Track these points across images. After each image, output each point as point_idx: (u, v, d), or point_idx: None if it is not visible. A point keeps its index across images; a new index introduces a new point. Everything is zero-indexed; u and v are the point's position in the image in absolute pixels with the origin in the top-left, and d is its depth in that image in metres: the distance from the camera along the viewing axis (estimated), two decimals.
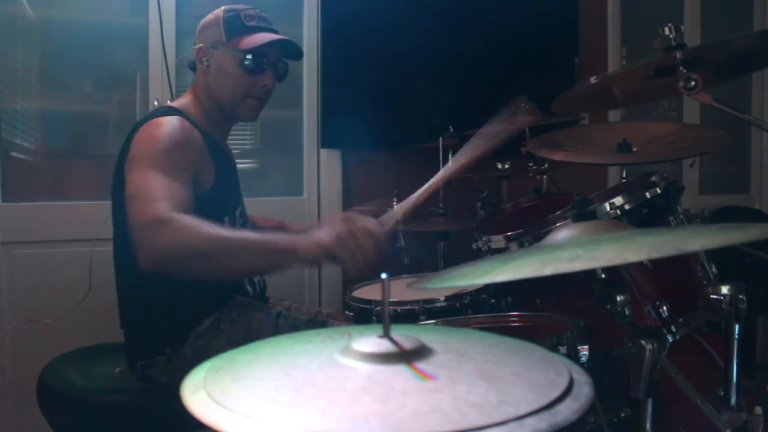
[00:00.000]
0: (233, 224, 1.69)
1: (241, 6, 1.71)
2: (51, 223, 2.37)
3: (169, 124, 1.57)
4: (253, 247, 1.34)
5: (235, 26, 1.67)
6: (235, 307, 1.68)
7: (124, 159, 1.56)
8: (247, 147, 2.82)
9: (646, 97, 1.64)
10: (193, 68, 1.75)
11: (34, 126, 2.44)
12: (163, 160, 1.48)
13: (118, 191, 1.57)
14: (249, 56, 1.65)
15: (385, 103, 2.65)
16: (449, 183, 1.63)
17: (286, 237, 1.38)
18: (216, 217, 1.61)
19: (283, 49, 1.72)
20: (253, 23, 1.69)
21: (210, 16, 1.71)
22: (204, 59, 1.68)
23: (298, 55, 1.77)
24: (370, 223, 1.32)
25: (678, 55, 1.28)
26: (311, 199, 2.82)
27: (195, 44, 1.72)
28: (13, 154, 2.39)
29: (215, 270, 1.33)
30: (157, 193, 1.38)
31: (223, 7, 1.70)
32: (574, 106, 1.74)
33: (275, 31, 1.71)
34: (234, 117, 1.77)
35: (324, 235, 1.31)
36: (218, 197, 1.63)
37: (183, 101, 1.74)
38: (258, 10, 1.72)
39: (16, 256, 2.34)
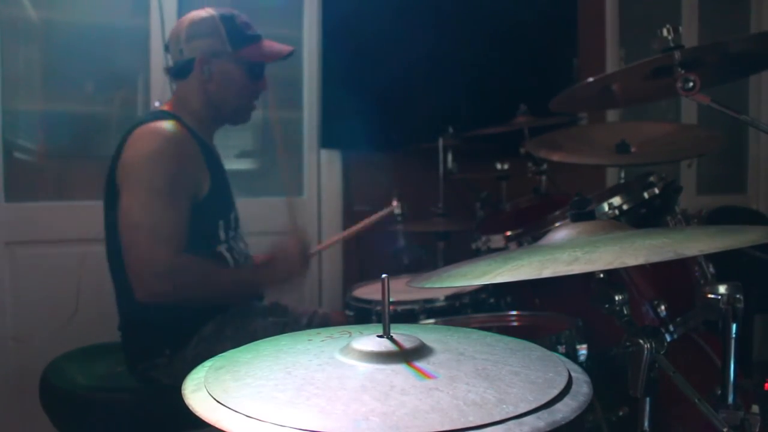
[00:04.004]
0: (228, 229, 1.69)
1: (227, 11, 1.71)
2: (54, 223, 2.37)
3: (166, 132, 1.57)
4: (239, 283, 1.67)
5: (238, 36, 1.69)
6: (239, 314, 1.69)
7: (117, 165, 1.57)
8: (247, 147, 2.82)
9: (645, 98, 1.65)
10: (178, 75, 1.73)
11: (37, 127, 2.44)
12: (164, 184, 1.51)
13: (111, 198, 1.58)
14: (256, 66, 1.72)
15: (385, 104, 2.66)
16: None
17: (260, 271, 1.73)
18: (212, 222, 1.64)
19: None
20: (250, 32, 1.72)
21: (200, 24, 1.68)
22: (205, 68, 1.68)
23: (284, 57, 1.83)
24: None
25: (676, 56, 1.29)
26: (311, 199, 2.82)
27: (181, 51, 1.69)
28: (16, 154, 2.39)
29: (204, 302, 1.62)
30: (161, 233, 1.47)
31: (212, 13, 1.69)
32: (573, 106, 1.75)
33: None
34: (233, 121, 1.80)
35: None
36: (214, 203, 1.64)
37: (173, 106, 1.73)
38: (243, 15, 1.74)
39: (19, 256, 2.34)
